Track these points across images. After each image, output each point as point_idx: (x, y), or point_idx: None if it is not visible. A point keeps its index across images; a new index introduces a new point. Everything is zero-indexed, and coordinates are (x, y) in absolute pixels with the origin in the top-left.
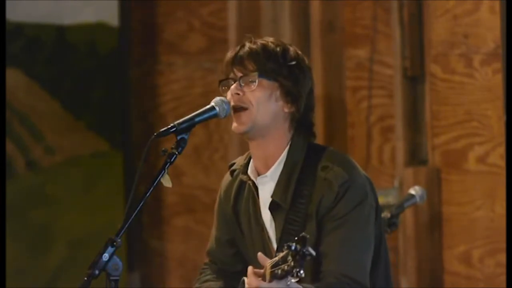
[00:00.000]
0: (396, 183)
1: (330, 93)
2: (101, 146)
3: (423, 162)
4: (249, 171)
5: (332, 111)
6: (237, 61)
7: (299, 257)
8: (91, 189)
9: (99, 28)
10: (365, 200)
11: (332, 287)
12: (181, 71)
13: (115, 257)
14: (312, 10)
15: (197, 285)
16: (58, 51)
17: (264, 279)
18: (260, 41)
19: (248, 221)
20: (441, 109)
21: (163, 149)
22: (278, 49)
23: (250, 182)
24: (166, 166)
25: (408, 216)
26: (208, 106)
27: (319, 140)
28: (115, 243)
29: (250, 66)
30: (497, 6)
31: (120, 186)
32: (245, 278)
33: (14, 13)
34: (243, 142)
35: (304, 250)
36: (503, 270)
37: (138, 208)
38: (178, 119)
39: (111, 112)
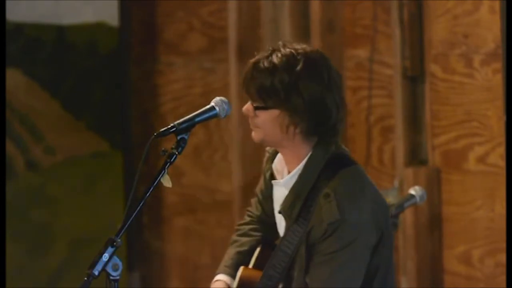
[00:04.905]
0: (396, 183)
1: None
2: (101, 146)
3: (423, 162)
4: (274, 162)
5: None
6: (244, 85)
7: None
8: (91, 189)
9: (99, 28)
10: (356, 241)
11: None
12: (181, 71)
13: (115, 257)
14: (312, 10)
15: (235, 237)
16: (58, 51)
17: None
18: (264, 63)
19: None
20: (441, 109)
21: (163, 149)
22: (279, 72)
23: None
24: (166, 166)
25: (408, 216)
26: (208, 106)
27: None
28: (115, 243)
29: (253, 94)
30: (497, 6)
31: (120, 186)
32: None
33: (14, 13)
34: (244, 142)
35: None
36: (503, 270)
37: (138, 208)
38: (178, 119)
39: (111, 112)
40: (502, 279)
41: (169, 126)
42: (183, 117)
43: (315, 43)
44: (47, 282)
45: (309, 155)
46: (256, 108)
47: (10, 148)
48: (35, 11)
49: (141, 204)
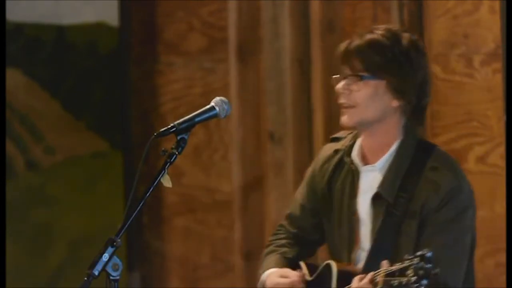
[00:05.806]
0: None
1: (330, 93)
2: (101, 146)
3: None
4: (353, 154)
5: (332, 111)
6: (345, 58)
7: (423, 274)
8: (91, 189)
9: (99, 28)
10: (469, 208)
11: None
12: (181, 71)
13: (115, 257)
14: (312, 10)
15: (271, 247)
16: (58, 51)
17: (371, 284)
18: (369, 36)
19: (340, 201)
20: (441, 109)
21: (163, 149)
22: (386, 43)
23: (352, 166)
24: (166, 166)
25: None
26: (208, 106)
27: (318, 141)
28: (115, 243)
29: (357, 64)
30: (497, 6)
31: (120, 186)
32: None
33: (14, 13)
34: (244, 142)
35: (430, 269)
36: (503, 270)
37: (138, 208)
38: (178, 119)
39: (111, 112)
40: (502, 279)
41: (169, 126)
42: (183, 117)
43: (315, 43)
44: (47, 282)
45: (401, 137)
46: (362, 78)
47: (10, 148)
48: (35, 11)
49: (141, 204)
